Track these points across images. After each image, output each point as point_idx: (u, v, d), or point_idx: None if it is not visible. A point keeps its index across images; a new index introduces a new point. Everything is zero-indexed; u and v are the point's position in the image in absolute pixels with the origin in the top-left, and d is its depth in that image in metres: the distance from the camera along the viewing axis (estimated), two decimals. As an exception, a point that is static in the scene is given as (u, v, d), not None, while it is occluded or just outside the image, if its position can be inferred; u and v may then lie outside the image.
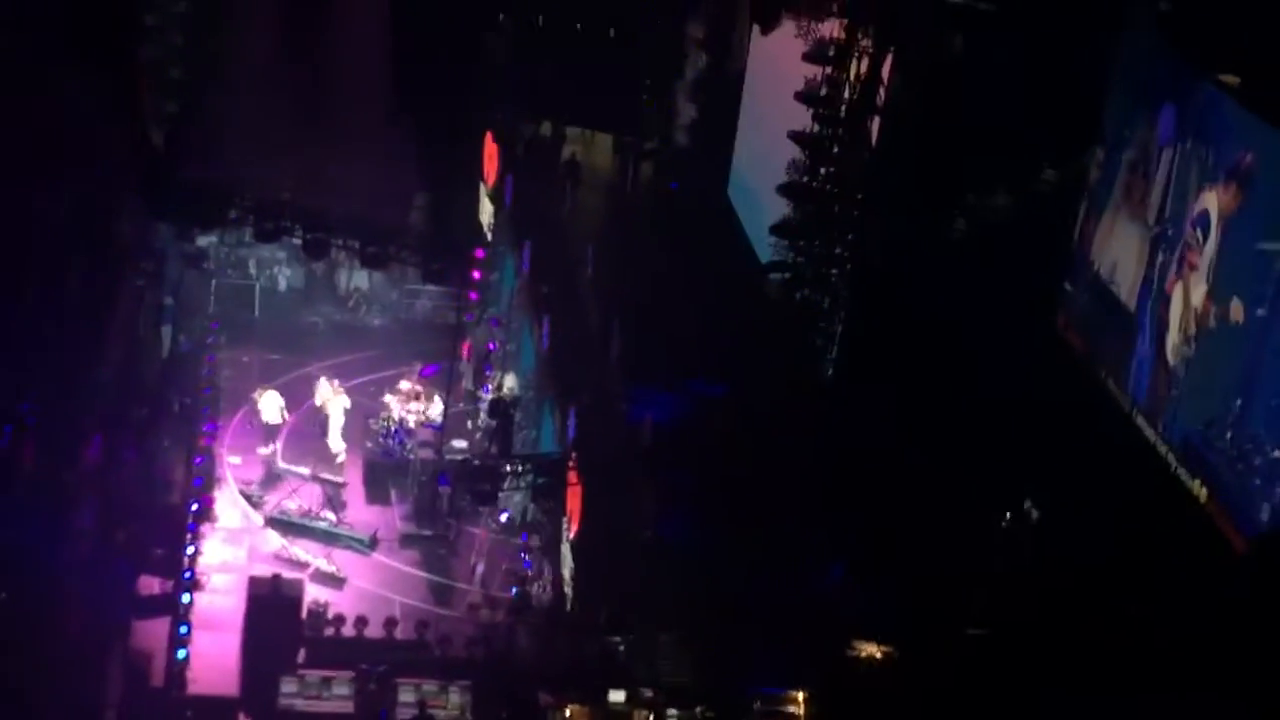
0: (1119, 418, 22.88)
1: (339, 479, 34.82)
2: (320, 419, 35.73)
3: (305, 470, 34.79)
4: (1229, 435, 19.75)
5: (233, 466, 35.32)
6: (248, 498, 34.22)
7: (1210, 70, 21.02)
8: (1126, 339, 23.02)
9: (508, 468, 29.34)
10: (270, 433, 35.66)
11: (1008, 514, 25.24)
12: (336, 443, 35.31)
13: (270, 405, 35.68)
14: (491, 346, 38.87)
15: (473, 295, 39.15)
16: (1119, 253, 23.60)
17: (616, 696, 25.43)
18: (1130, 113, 23.43)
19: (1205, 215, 21.02)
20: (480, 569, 32.37)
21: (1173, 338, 21.62)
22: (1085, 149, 24.96)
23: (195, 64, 40.62)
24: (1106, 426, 23.06)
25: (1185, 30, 21.99)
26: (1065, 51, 24.38)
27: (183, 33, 40.15)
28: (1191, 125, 21.55)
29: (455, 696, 27.02)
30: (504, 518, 33.10)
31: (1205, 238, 20.90)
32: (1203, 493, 20.40)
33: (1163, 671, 19.84)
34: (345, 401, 35.78)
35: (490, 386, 37.47)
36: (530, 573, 31.10)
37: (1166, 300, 21.90)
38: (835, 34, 27.86)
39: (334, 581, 31.82)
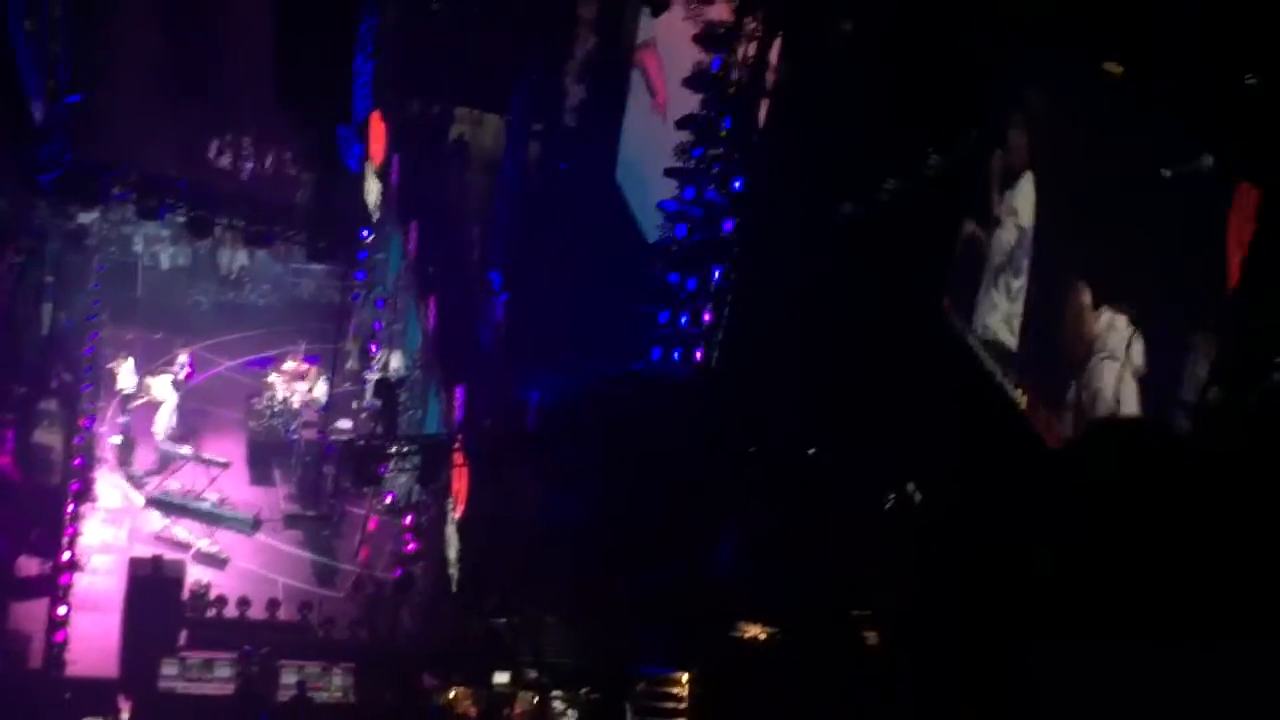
0: (1008, 404, 23.11)
1: (222, 459, 34.54)
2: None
3: (187, 450, 34.49)
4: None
5: (113, 446, 34.97)
6: (129, 477, 33.92)
7: (1094, 58, 21.23)
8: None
9: (393, 448, 29.19)
10: (126, 402, 35.36)
11: (891, 496, 25.40)
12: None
13: (127, 374, 35.40)
14: (377, 326, 38.70)
15: (359, 275, 38.97)
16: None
17: (501, 678, 25.44)
18: (1018, 96, 23.66)
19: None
20: (364, 550, 32.27)
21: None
22: (971, 135, 25.12)
23: (76, 38, 40.05)
24: (990, 409, 23.26)
25: (1071, 15, 22.17)
26: (954, 36, 24.50)
27: (63, 5, 39.56)
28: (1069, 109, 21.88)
29: (338, 678, 26.93)
30: (388, 499, 32.99)
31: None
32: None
33: (1049, 650, 20.03)
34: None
35: (376, 366, 37.32)
36: (414, 554, 31.00)
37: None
38: (724, 17, 27.88)
39: (216, 562, 31.63)
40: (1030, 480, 21.90)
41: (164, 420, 35.01)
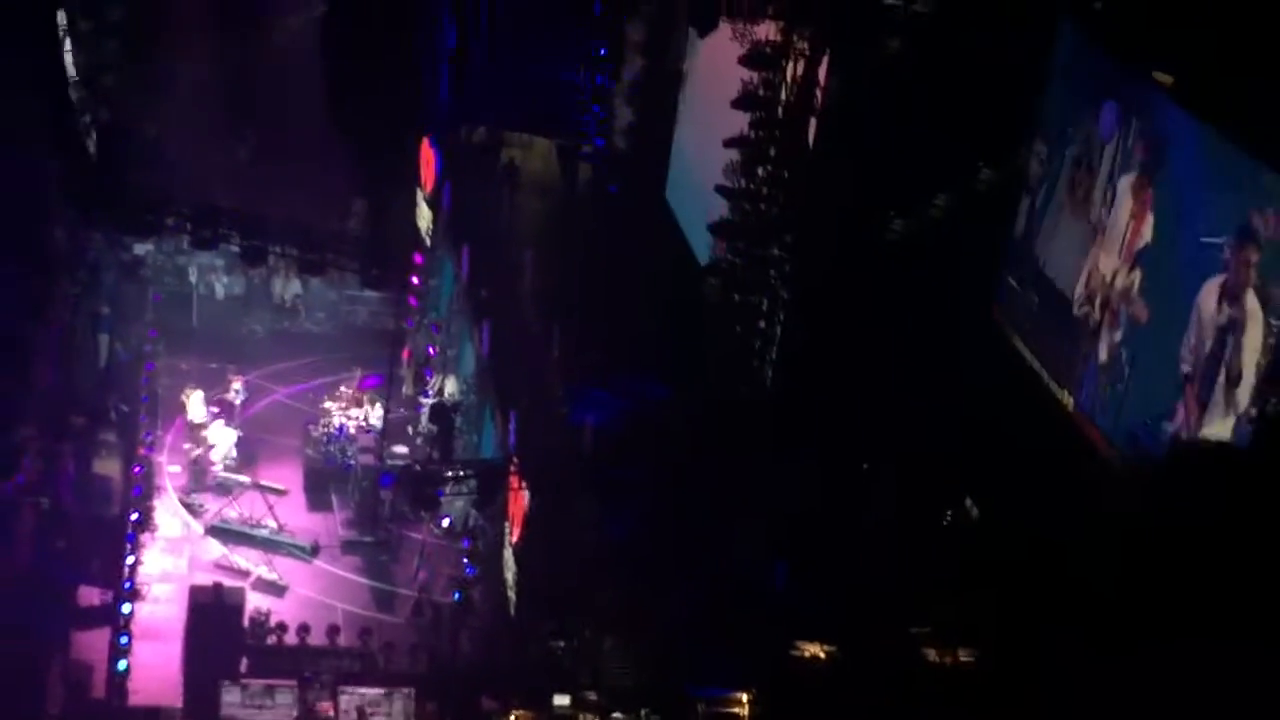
0: (1059, 413, 23.01)
1: (280, 486, 34.66)
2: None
3: (245, 478, 34.64)
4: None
5: (172, 475, 35.15)
6: (187, 506, 34.08)
7: (1144, 68, 21.19)
8: (1069, 335, 23.15)
9: (449, 473, 29.26)
10: (197, 432, 35.55)
11: (949, 512, 25.32)
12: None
13: (197, 405, 35.60)
14: (431, 352, 38.80)
15: (412, 300, 39.07)
16: (1063, 248, 23.70)
17: (561, 701, 25.41)
18: (1073, 109, 23.54)
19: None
20: (422, 575, 32.32)
21: (1115, 331, 21.86)
22: (1022, 148, 25.07)
23: (129, 71, 40.34)
24: (1047, 423, 23.17)
25: (1119, 28, 22.15)
26: (1001, 50, 24.48)
27: (116, 39, 39.88)
28: (1131, 122, 21.71)
29: (398, 703, 26.94)
30: (446, 523, 33.07)
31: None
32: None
33: (1109, 669, 19.94)
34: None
35: (431, 392, 37.42)
36: (473, 578, 31.05)
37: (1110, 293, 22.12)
38: (772, 36, 27.88)
39: (276, 589, 31.73)
40: (1087, 492, 21.83)
41: (221, 455, 35.20)
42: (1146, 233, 21.10)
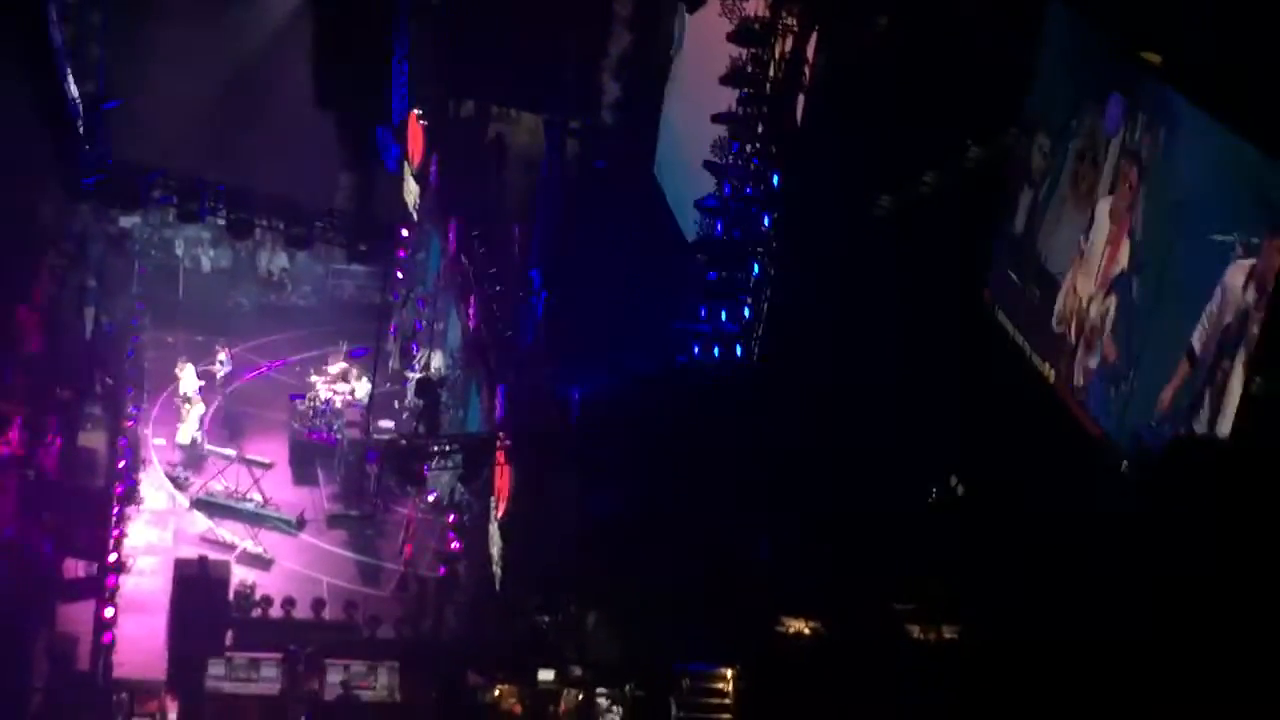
0: (1045, 391, 23.00)
1: (265, 460, 34.64)
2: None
3: (230, 451, 34.61)
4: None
5: (157, 448, 35.13)
6: (173, 479, 34.06)
7: (1134, 48, 21.13)
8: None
9: (435, 447, 29.27)
10: (183, 405, 35.55)
11: (934, 489, 25.36)
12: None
13: (190, 378, 35.58)
14: (418, 326, 38.78)
15: (399, 275, 39.04)
16: (1065, 243, 23.55)
17: (545, 675, 25.45)
18: (1076, 100, 23.36)
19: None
20: (408, 549, 32.34)
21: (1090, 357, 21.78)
22: (1010, 126, 25.04)
23: (115, 43, 40.20)
24: (1035, 405, 23.17)
25: (1111, 7, 22.07)
26: (990, 27, 24.45)
27: (102, 11, 39.74)
28: (1138, 116, 21.55)
29: (383, 677, 26.97)
30: (431, 498, 33.08)
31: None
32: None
33: (1093, 644, 20.02)
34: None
35: (417, 366, 37.41)
36: (458, 552, 31.08)
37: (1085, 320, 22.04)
38: (760, 12, 27.85)
39: (261, 563, 31.77)
40: (1071, 470, 21.85)
41: (189, 432, 35.12)
42: (1122, 259, 20.98)
